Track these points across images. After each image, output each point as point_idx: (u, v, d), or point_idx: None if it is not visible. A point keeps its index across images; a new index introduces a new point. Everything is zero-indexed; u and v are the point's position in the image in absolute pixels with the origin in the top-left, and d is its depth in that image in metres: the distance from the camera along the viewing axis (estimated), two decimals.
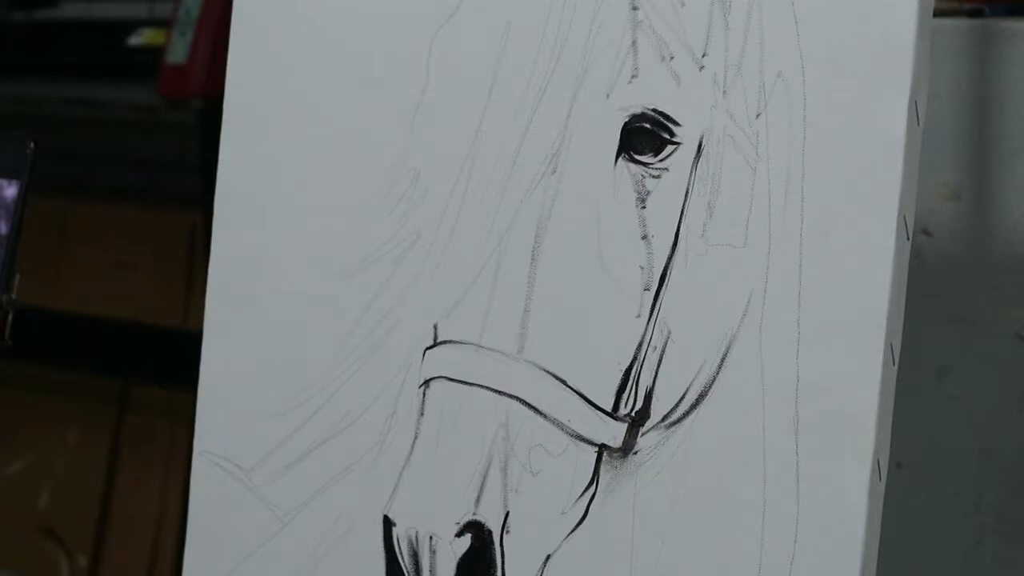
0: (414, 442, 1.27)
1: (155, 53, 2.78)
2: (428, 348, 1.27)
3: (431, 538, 1.25)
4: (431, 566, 1.25)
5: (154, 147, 3.02)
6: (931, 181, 1.46)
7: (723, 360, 1.16)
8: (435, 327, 1.27)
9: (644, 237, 1.19)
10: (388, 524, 1.28)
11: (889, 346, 1.11)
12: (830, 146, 1.13)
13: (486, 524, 1.23)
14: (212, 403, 1.39)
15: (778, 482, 1.13)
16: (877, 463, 1.10)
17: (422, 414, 1.27)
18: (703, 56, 1.18)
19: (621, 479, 1.19)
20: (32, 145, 1.36)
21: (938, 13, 1.28)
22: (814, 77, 1.14)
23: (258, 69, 1.38)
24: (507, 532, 1.23)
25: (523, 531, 1.22)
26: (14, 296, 1.36)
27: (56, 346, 3.02)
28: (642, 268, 1.19)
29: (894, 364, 1.11)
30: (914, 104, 1.11)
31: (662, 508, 1.17)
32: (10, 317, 1.35)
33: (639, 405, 1.19)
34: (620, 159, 1.20)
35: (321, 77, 1.35)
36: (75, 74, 3.12)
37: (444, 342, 1.26)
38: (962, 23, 1.48)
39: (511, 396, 1.23)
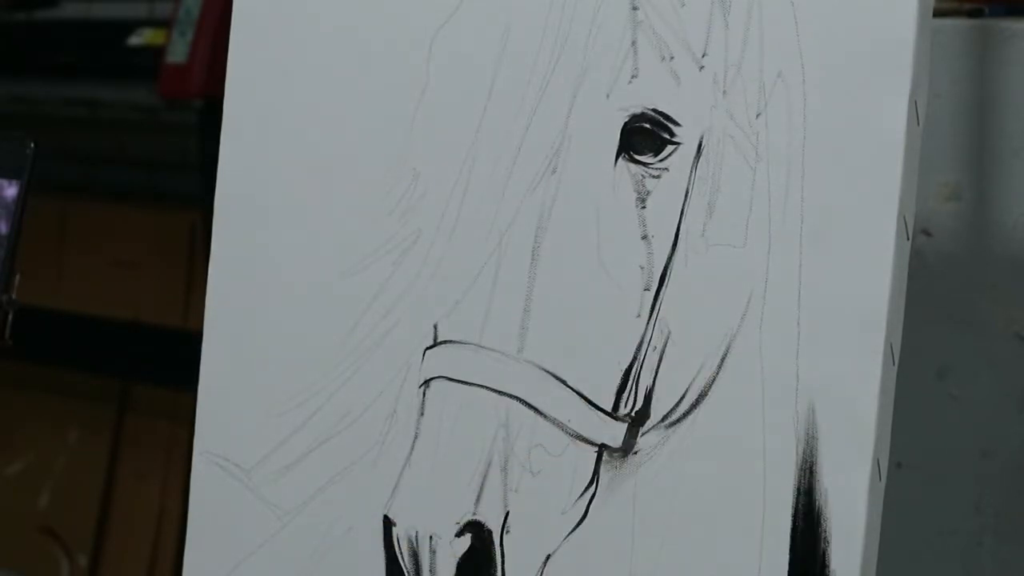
0: (414, 442, 1.27)
1: (155, 53, 2.78)
2: (428, 348, 1.27)
3: (431, 538, 1.25)
4: (431, 566, 1.25)
5: (154, 147, 3.02)
6: (931, 181, 1.46)
7: (723, 360, 1.16)
8: (435, 327, 1.27)
9: (644, 237, 1.19)
10: (388, 524, 1.28)
11: (889, 346, 1.11)
12: (830, 146, 1.13)
13: (486, 524, 1.23)
14: (212, 403, 1.39)
15: (778, 482, 1.13)
16: (877, 463, 1.10)
17: (422, 414, 1.27)
18: (703, 56, 1.18)
19: (621, 479, 1.19)
20: (32, 145, 1.36)
21: (938, 13, 1.28)
22: (814, 77, 1.14)
23: (258, 69, 1.38)
24: (507, 532, 1.23)
25: (523, 531, 1.22)
26: (14, 296, 1.36)
27: (56, 346, 3.02)
28: (642, 268, 1.19)
29: (894, 364, 1.11)
30: (914, 104, 1.11)
31: (662, 508, 1.17)
32: (10, 317, 1.35)
33: (639, 405, 1.19)
34: (620, 159, 1.20)
35: (321, 77, 1.35)
36: (75, 74, 3.12)
37: (444, 342, 1.26)
38: (962, 23, 1.48)
39: (511, 396, 1.23)
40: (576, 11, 1.22)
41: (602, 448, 1.20)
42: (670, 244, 1.18)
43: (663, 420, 1.18)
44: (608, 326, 1.20)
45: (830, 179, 1.13)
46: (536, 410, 1.22)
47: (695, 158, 1.18)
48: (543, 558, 1.22)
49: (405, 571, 1.26)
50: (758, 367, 1.15)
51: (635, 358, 1.19)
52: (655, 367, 1.18)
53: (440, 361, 1.26)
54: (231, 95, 1.40)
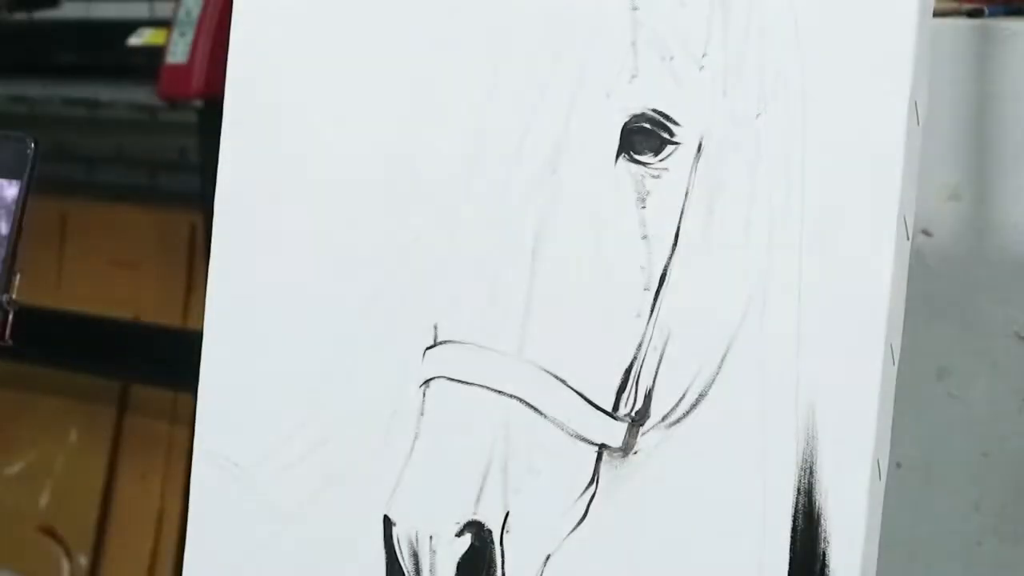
0: (414, 442, 1.27)
1: (155, 53, 2.78)
2: (428, 348, 1.27)
3: (431, 538, 1.25)
4: (431, 566, 1.25)
5: (154, 147, 3.02)
6: (931, 181, 1.46)
7: (723, 360, 1.16)
8: (435, 327, 1.27)
9: (644, 237, 1.19)
10: (388, 524, 1.28)
11: (889, 346, 1.11)
12: (830, 146, 1.13)
13: (486, 524, 1.23)
14: (212, 403, 1.39)
15: (777, 482, 1.13)
16: (877, 463, 1.10)
17: (422, 414, 1.27)
18: (703, 56, 1.18)
19: (621, 479, 1.19)
20: (32, 145, 1.36)
21: (938, 13, 1.28)
22: (814, 77, 1.14)
23: (258, 69, 1.38)
24: (507, 532, 1.23)
25: (523, 531, 1.22)
26: (14, 296, 1.36)
27: (56, 346, 3.02)
28: (642, 268, 1.19)
29: (894, 364, 1.11)
30: (914, 104, 1.11)
31: (662, 508, 1.17)
32: (10, 317, 1.35)
33: (639, 405, 1.19)
34: (620, 159, 1.20)
35: (321, 77, 1.35)
36: (75, 74, 3.12)
37: (444, 342, 1.26)
38: (962, 23, 1.48)
39: (511, 396, 1.23)
40: (576, 11, 1.22)
41: (602, 448, 1.20)
42: (670, 244, 1.18)
43: (663, 420, 1.18)
44: (608, 326, 1.20)
45: (830, 179, 1.13)
46: (536, 410, 1.22)
47: (695, 158, 1.18)
48: (543, 558, 1.22)
49: (405, 571, 1.26)
50: (758, 367, 1.15)
51: (635, 358, 1.19)
52: (655, 367, 1.18)
53: (440, 361, 1.26)
54: (231, 95, 1.40)
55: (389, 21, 1.32)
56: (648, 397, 1.19)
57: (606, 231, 1.20)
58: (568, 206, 1.22)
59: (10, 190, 1.36)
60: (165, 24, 2.79)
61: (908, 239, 1.11)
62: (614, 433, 1.19)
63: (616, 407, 1.20)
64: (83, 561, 3.09)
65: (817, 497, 1.12)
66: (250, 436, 1.36)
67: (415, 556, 1.26)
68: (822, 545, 1.12)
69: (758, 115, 1.16)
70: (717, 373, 1.16)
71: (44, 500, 3.17)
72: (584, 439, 1.20)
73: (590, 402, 1.20)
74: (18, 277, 1.36)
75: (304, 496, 1.33)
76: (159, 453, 3.02)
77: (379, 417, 1.29)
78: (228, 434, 1.37)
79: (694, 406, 1.17)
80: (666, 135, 1.19)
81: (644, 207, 1.20)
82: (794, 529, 1.13)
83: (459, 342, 1.26)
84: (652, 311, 1.19)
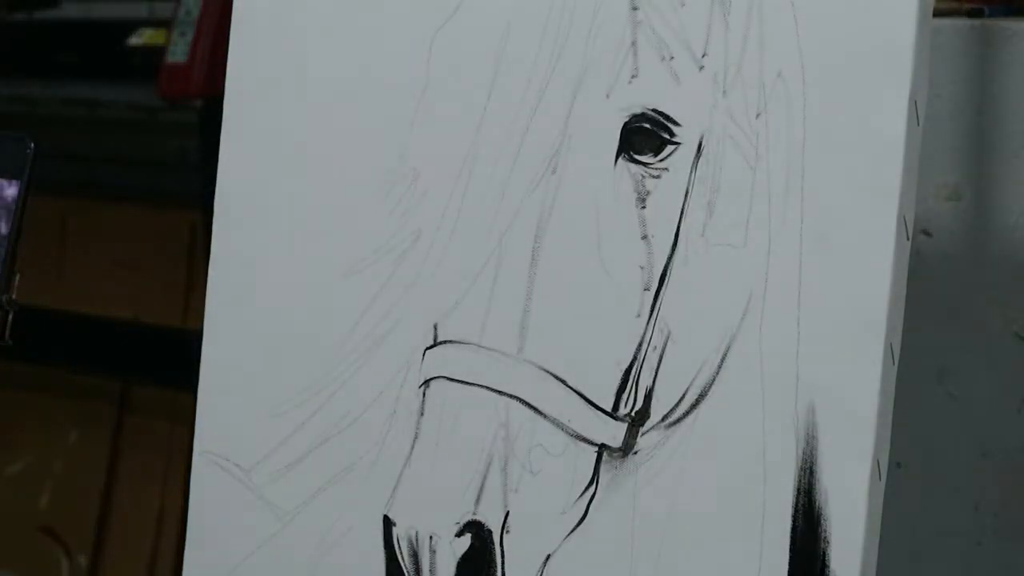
0: (414, 442, 1.27)
1: (155, 53, 2.78)
2: (428, 348, 1.27)
3: (431, 538, 1.25)
4: (431, 566, 1.25)
5: (154, 147, 3.02)
6: (931, 181, 1.46)
7: (723, 360, 1.16)
8: (435, 327, 1.27)
9: (644, 237, 1.19)
10: (388, 524, 1.28)
11: (889, 346, 1.11)
12: (830, 146, 1.13)
13: (486, 524, 1.23)
14: (212, 403, 1.39)
15: (778, 482, 1.13)
16: (877, 463, 1.10)
17: (422, 414, 1.27)
18: (703, 56, 1.18)
19: (621, 479, 1.19)
20: (32, 145, 1.36)
21: (938, 13, 1.28)
22: (814, 77, 1.14)
23: (258, 69, 1.38)
24: (507, 532, 1.23)
25: (523, 531, 1.22)
26: (14, 296, 1.36)
27: (56, 346, 3.02)
28: (642, 268, 1.19)
29: (894, 364, 1.11)
30: (914, 104, 1.11)
31: (662, 508, 1.17)
32: (10, 317, 1.35)
33: (639, 405, 1.19)
34: (620, 159, 1.21)
35: (321, 77, 1.35)
36: (75, 74, 3.12)
37: (444, 342, 1.26)
38: (962, 23, 1.48)
39: (511, 396, 1.23)
40: (576, 11, 1.22)
41: (602, 448, 1.20)
42: (670, 244, 1.18)
43: (663, 420, 1.18)
44: (608, 326, 1.20)
45: (830, 179, 1.13)
46: (536, 410, 1.22)
47: (695, 158, 1.18)
48: (543, 558, 1.22)
49: (405, 571, 1.26)
50: (758, 367, 1.15)
51: (635, 358, 1.19)
52: (655, 367, 1.18)
53: (440, 361, 1.26)
54: (231, 95, 1.40)
55: (388, 21, 1.32)
56: (648, 397, 1.19)
57: (606, 231, 1.21)
58: (568, 206, 1.22)
59: (10, 190, 1.36)
60: (165, 24, 2.79)
61: (908, 239, 1.11)
62: (614, 433, 1.19)
63: (616, 407, 1.20)
64: (83, 561, 3.09)
65: (817, 497, 1.12)
66: (250, 436, 1.36)
67: (415, 556, 1.26)
68: (822, 545, 1.12)
69: (758, 115, 1.16)
70: (717, 373, 1.16)
71: (44, 500, 3.17)
72: (584, 439, 1.20)
73: (590, 402, 1.20)
74: (18, 277, 1.36)
75: (304, 496, 1.33)
76: (159, 453, 3.02)
77: (379, 417, 1.29)
78: (228, 434, 1.37)
79: (694, 406, 1.17)
80: (666, 135, 1.19)
81: (644, 207, 1.20)
82: (794, 529, 1.13)
83: (459, 342, 1.26)
84: (652, 311, 1.19)
